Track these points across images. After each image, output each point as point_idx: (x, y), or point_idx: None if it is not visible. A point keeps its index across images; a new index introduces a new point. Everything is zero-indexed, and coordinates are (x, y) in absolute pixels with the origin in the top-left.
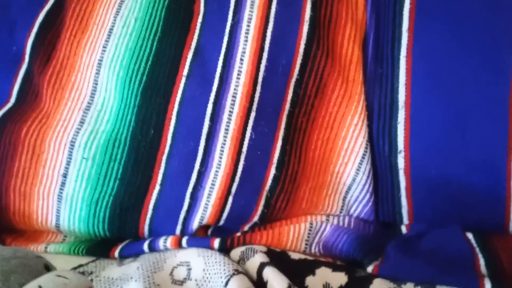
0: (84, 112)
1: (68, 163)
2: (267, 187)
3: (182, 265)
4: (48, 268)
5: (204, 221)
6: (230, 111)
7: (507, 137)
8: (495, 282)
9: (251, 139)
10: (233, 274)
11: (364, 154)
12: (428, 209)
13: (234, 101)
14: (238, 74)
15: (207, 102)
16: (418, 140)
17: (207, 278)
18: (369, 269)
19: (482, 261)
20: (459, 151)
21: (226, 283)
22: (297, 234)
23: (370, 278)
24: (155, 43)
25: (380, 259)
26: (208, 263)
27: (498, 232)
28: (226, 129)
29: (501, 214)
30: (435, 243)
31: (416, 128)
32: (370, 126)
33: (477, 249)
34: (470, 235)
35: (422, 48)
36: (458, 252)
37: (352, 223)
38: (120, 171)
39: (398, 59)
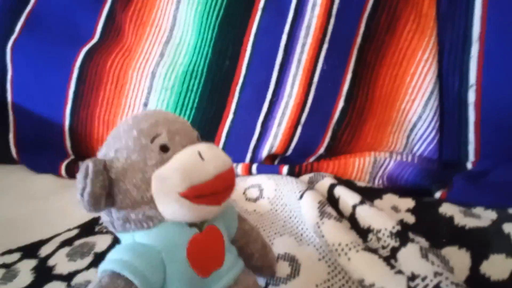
0: (164, 46)
1: (149, 93)
2: (334, 120)
3: (254, 187)
4: (200, 139)
5: (273, 150)
6: (303, 42)
7: None
8: None
9: (322, 70)
10: (307, 189)
11: (432, 91)
12: (496, 145)
13: (308, 32)
14: (313, 6)
15: (281, 33)
16: (491, 73)
17: (279, 196)
18: (437, 195)
19: None
20: None
21: (301, 196)
22: (362, 166)
23: (438, 202)
24: None
25: (448, 187)
26: (279, 183)
27: None
28: (299, 60)
29: None
30: (503, 177)
31: (490, 62)
32: (440, 62)
33: None
34: None
35: None
36: None
37: (416, 160)
38: (196, 100)
39: None
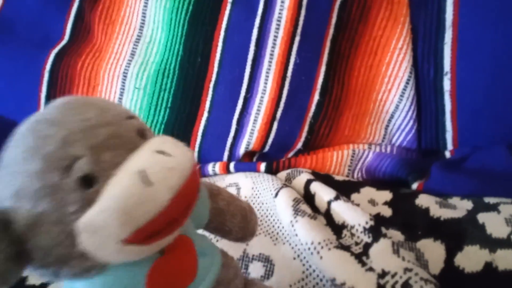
0: (134, 45)
1: (122, 94)
2: (310, 113)
3: (231, 186)
4: (142, 134)
5: (250, 147)
6: (275, 36)
7: None
8: None
9: (295, 63)
10: (282, 187)
11: (408, 79)
12: (473, 132)
13: (278, 25)
14: None
15: (252, 27)
16: (465, 60)
17: (256, 194)
18: (414, 186)
19: None
20: (509, 68)
21: (276, 195)
22: (340, 159)
23: (415, 193)
24: None
25: (425, 178)
26: (256, 182)
27: None
28: (271, 54)
29: None
30: (480, 162)
31: (464, 48)
32: (414, 50)
33: None
34: None
35: None
36: (503, 169)
37: (395, 150)
38: (170, 100)
39: None
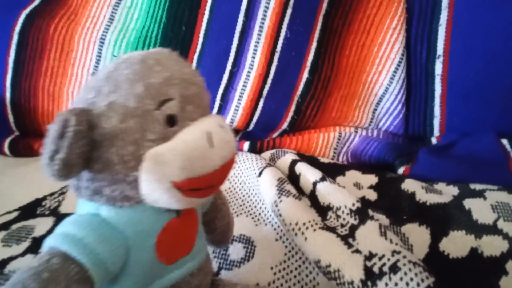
0: (113, 9)
1: (98, 62)
2: (298, 92)
3: None
4: (209, 106)
5: (234, 125)
6: (265, 6)
7: None
8: None
9: (285, 38)
10: (266, 166)
11: (400, 61)
12: (462, 118)
13: None
14: None
15: None
16: (459, 43)
17: (238, 173)
18: (400, 171)
19: None
20: (502, 53)
21: (260, 174)
22: (326, 142)
23: (401, 178)
24: None
25: (411, 163)
26: (239, 161)
27: None
28: (261, 26)
29: None
30: (468, 149)
31: (458, 31)
32: (408, 31)
33: None
34: (505, 141)
35: None
36: (491, 156)
37: (381, 135)
38: None
39: None
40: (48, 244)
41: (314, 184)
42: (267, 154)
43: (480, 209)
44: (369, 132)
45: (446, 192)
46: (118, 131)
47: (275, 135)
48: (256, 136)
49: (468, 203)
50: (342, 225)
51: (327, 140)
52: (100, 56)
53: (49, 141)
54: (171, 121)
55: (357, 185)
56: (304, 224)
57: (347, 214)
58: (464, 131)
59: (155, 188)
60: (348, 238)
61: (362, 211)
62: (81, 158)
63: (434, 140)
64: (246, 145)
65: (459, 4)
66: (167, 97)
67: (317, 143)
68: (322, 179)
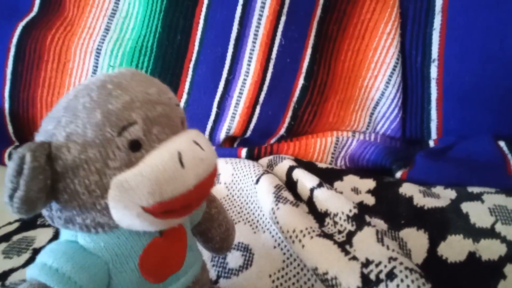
0: (109, 19)
1: (95, 72)
2: (295, 98)
3: None
4: (182, 122)
5: (231, 132)
6: (260, 14)
7: None
8: None
9: (280, 45)
10: (264, 173)
11: (395, 66)
12: (458, 121)
13: (264, 3)
14: None
15: (236, 4)
16: (454, 47)
17: (236, 181)
18: (398, 175)
19: None
20: (498, 55)
21: (257, 181)
22: (324, 147)
23: (399, 182)
24: None
25: (409, 167)
26: (237, 168)
27: None
28: (255, 34)
29: None
30: (465, 152)
31: (453, 35)
32: (403, 36)
33: (510, 155)
34: (502, 143)
35: None
36: (488, 158)
37: (379, 139)
38: None
39: None
40: (29, 274)
41: (312, 190)
42: (264, 161)
43: (477, 213)
44: (367, 136)
45: (444, 196)
46: (79, 162)
47: (272, 141)
48: (254, 142)
49: (465, 206)
50: (340, 232)
51: (325, 145)
52: (96, 66)
53: (7, 179)
54: (136, 146)
55: (355, 190)
56: (301, 231)
57: (345, 220)
58: (461, 134)
59: (125, 214)
60: (345, 244)
61: (359, 217)
62: (42, 192)
63: (431, 143)
64: (243, 151)
65: (453, 8)
66: (128, 122)
67: (314, 148)
68: (319, 185)
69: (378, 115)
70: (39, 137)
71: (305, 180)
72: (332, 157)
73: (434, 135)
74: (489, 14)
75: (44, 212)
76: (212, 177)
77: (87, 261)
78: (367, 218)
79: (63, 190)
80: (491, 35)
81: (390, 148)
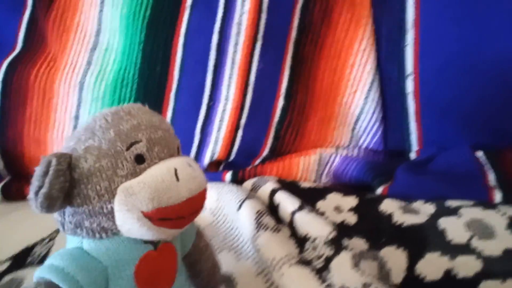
0: (90, 53)
1: (79, 105)
2: (276, 119)
3: None
4: (178, 150)
5: (215, 156)
6: (236, 41)
7: None
8: (506, 192)
9: (258, 69)
10: (246, 198)
11: (372, 81)
12: (437, 133)
13: (239, 29)
14: (243, 1)
15: (212, 32)
16: (428, 61)
17: (221, 206)
18: (379, 190)
19: (492, 176)
20: (473, 66)
21: (240, 207)
22: (307, 165)
23: (380, 198)
24: None
25: (390, 182)
26: (221, 193)
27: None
28: (233, 60)
29: None
30: (444, 164)
31: (426, 49)
32: (378, 52)
33: (487, 166)
34: (480, 153)
35: None
36: (467, 171)
37: (362, 153)
38: None
39: None
40: (37, 275)
41: (293, 213)
42: (249, 184)
43: (454, 229)
44: (350, 151)
45: (423, 211)
46: (94, 170)
47: (257, 161)
48: (239, 164)
49: (443, 222)
50: (318, 257)
51: (308, 164)
52: (80, 100)
53: (34, 179)
54: (140, 159)
55: (338, 209)
56: (281, 259)
57: (324, 244)
58: (441, 145)
59: (127, 217)
60: (323, 271)
61: (338, 241)
62: (61, 192)
63: (413, 155)
64: (228, 175)
65: (424, 22)
66: (135, 140)
67: (297, 167)
68: (300, 207)
69: (360, 129)
70: (63, 151)
71: (287, 203)
72: (316, 175)
73: (415, 146)
74: (461, 27)
75: (57, 217)
76: (202, 194)
77: (90, 264)
78: (345, 241)
79: (77, 195)
80: (465, 47)
81: (371, 163)
